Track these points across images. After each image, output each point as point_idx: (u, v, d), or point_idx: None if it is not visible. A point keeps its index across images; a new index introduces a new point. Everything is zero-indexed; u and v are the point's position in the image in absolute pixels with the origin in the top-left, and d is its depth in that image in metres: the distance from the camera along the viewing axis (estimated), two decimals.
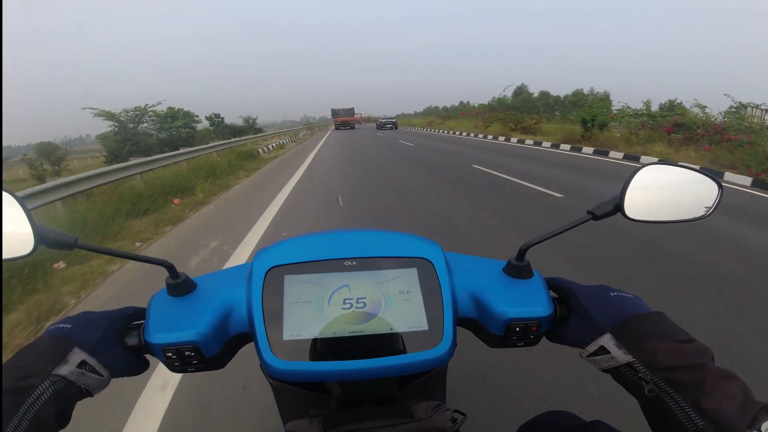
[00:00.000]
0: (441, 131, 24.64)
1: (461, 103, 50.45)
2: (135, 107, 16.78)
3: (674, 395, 0.32)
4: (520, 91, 36.64)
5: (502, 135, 15.31)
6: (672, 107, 12.30)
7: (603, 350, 0.37)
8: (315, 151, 11.87)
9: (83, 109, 15.22)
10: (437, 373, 0.48)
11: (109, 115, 15.42)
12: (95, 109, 15.27)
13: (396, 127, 30.59)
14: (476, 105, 36.34)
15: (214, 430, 1.33)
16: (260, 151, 11.41)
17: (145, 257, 0.41)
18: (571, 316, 0.42)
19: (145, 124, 17.76)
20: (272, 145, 13.72)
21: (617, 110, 12.68)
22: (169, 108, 19.15)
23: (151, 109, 17.31)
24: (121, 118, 16.05)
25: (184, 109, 19.83)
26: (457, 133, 21.11)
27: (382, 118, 31.86)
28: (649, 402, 0.35)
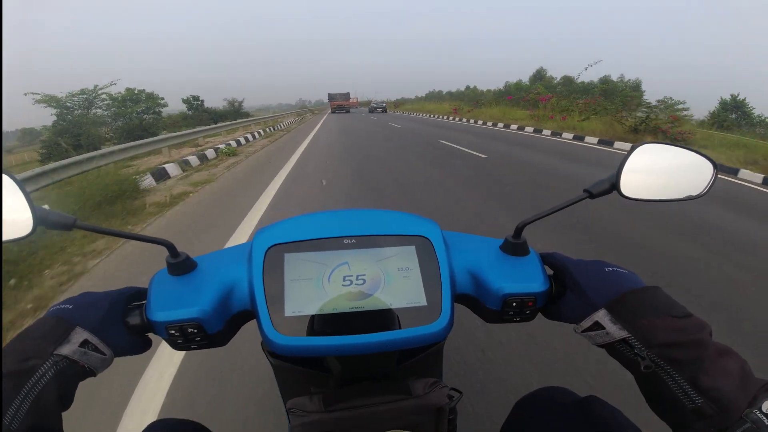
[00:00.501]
0: (481, 122, 18.79)
1: (468, 87, 51.23)
2: (81, 89, 16.08)
3: (671, 372, 0.36)
4: (540, 76, 36.68)
5: (620, 140, 9.80)
6: (736, 105, 9.44)
7: (598, 326, 0.43)
8: (290, 167, 6.80)
9: (25, 95, 14.90)
10: (434, 351, 0.55)
11: (52, 101, 14.88)
12: (37, 94, 14.88)
13: (385, 111, 40.23)
14: (484, 90, 37.38)
15: (215, 409, 1.46)
16: (176, 169, 6.48)
17: (144, 237, 0.48)
18: (567, 292, 0.49)
19: (99, 110, 17.15)
20: (219, 147, 8.91)
21: None
22: (128, 89, 18.46)
23: (103, 91, 16.66)
24: (67, 104, 15.47)
25: (147, 91, 19.25)
26: (513, 127, 15.18)
27: (374, 103, 42.86)
28: (645, 378, 0.39)
